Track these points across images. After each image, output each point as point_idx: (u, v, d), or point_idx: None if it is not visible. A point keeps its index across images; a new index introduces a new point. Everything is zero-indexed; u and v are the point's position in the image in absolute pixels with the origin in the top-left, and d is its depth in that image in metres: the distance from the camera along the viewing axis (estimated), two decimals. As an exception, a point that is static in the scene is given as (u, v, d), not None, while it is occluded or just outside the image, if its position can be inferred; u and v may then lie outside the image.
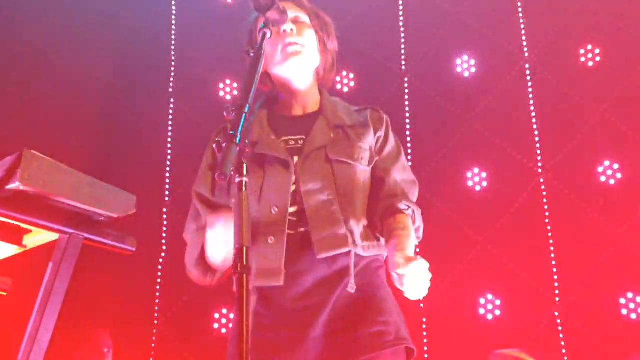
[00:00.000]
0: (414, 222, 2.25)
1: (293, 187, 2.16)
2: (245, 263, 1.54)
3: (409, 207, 2.23)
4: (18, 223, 1.58)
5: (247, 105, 1.72)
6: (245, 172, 1.61)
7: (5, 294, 1.75)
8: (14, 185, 1.49)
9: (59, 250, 1.60)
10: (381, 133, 2.34)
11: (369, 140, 2.30)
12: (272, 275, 2.07)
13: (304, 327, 2.02)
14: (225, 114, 1.73)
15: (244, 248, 1.55)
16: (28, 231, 1.65)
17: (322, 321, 2.03)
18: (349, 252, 2.10)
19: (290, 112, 2.33)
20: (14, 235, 1.64)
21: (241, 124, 1.65)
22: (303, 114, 2.33)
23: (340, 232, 2.07)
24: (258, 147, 2.21)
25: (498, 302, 4.66)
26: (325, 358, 2.00)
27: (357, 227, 2.14)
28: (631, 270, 4.54)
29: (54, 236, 1.64)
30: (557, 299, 4.59)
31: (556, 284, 4.62)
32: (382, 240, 2.23)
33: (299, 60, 2.25)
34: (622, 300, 4.52)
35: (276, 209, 2.13)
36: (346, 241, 2.08)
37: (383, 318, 2.07)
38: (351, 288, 2.05)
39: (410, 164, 4.96)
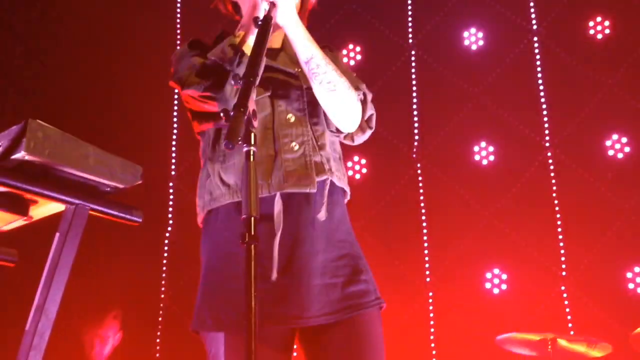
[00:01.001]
0: (364, 108, 2.19)
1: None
2: (253, 233, 1.52)
3: (357, 88, 2.18)
4: (23, 193, 1.56)
5: (256, 76, 1.70)
6: (253, 142, 1.59)
7: (12, 265, 1.74)
8: (19, 154, 1.47)
9: (65, 220, 1.58)
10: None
11: None
12: (307, 181, 2.05)
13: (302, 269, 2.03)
14: (232, 82, 1.71)
15: (252, 218, 1.53)
16: (34, 202, 1.63)
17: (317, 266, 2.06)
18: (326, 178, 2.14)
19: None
20: (20, 206, 1.62)
21: (249, 93, 1.63)
22: (268, 47, 2.28)
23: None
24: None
25: (505, 277, 4.66)
26: (318, 309, 2.02)
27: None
28: (638, 244, 4.53)
29: (60, 207, 1.63)
30: (563, 273, 4.59)
31: (563, 259, 4.61)
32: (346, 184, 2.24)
33: None
34: (629, 275, 4.51)
35: (293, 117, 2.13)
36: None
37: (363, 276, 2.12)
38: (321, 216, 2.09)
39: (417, 137, 4.98)
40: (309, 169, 2.07)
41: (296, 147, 2.09)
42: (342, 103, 2.10)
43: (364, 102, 2.19)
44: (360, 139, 2.26)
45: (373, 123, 2.26)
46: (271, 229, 2.01)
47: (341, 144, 2.27)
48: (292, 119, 2.13)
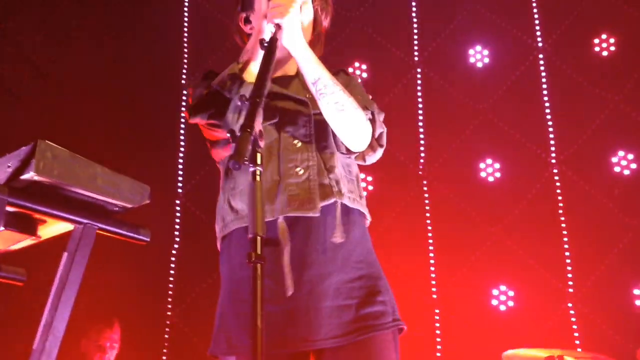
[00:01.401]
0: (374, 126, 2.20)
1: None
2: (259, 252, 1.53)
3: (366, 108, 2.19)
4: (32, 213, 1.58)
5: (262, 97, 1.72)
6: (259, 162, 1.61)
7: (21, 284, 1.75)
8: (28, 175, 1.48)
9: (74, 240, 1.59)
10: (344, 85, 2.30)
11: None
12: (309, 205, 2.06)
13: (313, 295, 2.03)
14: (239, 103, 1.73)
15: (258, 237, 1.54)
16: (43, 222, 1.64)
17: (329, 289, 2.04)
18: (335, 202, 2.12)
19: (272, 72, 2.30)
20: (29, 226, 1.64)
21: (256, 114, 1.65)
22: (282, 75, 2.31)
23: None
24: (271, 88, 2.21)
25: (511, 293, 4.65)
26: (327, 332, 2.00)
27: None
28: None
29: (68, 227, 1.64)
30: (570, 290, 4.58)
31: (570, 275, 4.60)
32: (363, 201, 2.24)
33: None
34: (636, 291, 4.50)
35: (299, 142, 2.14)
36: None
37: (381, 297, 2.08)
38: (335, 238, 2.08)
39: (422, 154, 4.99)
40: (313, 193, 2.08)
41: (300, 172, 2.10)
42: (350, 123, 2.11)
43: (373, 121, 2.20)
44: (371, 158, 2.26)
45: (384, 141, 2.25)
46: (278, 252, 2.02)
47: (359, 165, 2.27)
48: (298, 145, 2.14)
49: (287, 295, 1.99)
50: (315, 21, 2.35)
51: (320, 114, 2.12)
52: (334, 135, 2.17)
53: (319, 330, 2.00)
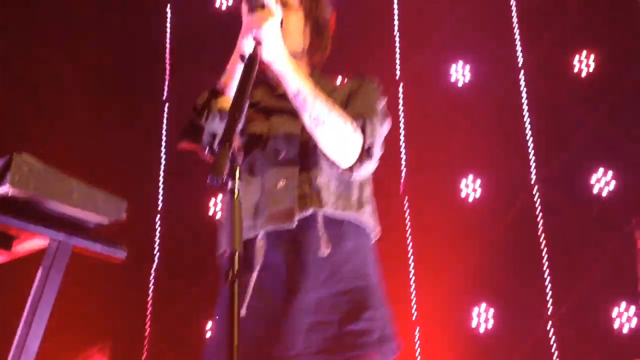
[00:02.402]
0: (364, 137, 2.12)
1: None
2: (237, 269, 1.51)
3: (358, 118, 2.13)
4: (7, 228, 1.55)
5: (241, 112, 1.71)
6: (237, 177, 1.59)
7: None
8: (3, 189, 1.46)
9: (49, 256, 1.57)
10: (353, 91, 2.29)
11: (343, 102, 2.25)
12: (286, 217, 2.04)
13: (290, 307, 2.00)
14: (218, 119, 1.73)
15: (237, 253, 1.53)
16: (17, 236, 1.62)
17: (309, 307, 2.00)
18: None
19: (276, 90, 2.29)
20: (3, 242, 1.62)
21: (235, 129, 1.64)
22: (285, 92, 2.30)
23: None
24: (262, 103, 2.26)
25: (491, 313, 4.64)
26: (306, 347, 1.96)
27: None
28: (625, 280, 4.52)
29: (43, 242, 1.62)
30: (550, 309, 4.58)
31: (549, 293, 4.60)
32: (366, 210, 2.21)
33: None
34: (615, 311, 4.49)
35: (284, 154, 2.13)
36: None
37: (369, 313, 2.03)
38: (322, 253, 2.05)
39: (404, 170, 4.99)
40: (291, 205, 2.05)
41: (281, 184, 2.08)
42: (330, 136, 2.06)
43: (363, 131, 2.13)
44: (360, 171, 2.16)
45: (373, 152, 2.16)
46: (250, 269, 2.01)
47: None
48: (282, 159, 2.13)
49: (241, 316, 1.91)
50: (311, 25, 2.32)
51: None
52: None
53: (294, 345, 1.95)
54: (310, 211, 2.06)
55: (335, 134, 2.06)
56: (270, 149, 2.14)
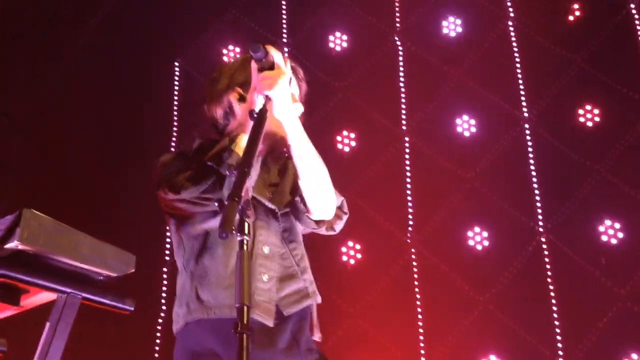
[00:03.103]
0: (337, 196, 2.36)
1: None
2: (245, 322, 1.52)
3: None
4: (16, 283, 1.56)
5: (251, 166, 1.74)
6: (247, 231, 1.61)
7: (1, 355, 1.72)
8: (13, 244, 1.48)
9: (57, 310, 1.58)
10: None
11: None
12: (267, 315, 2.12)
13: None
14: (227, 173, 1.75)
15: (245, 307, 1.53)
16: (26, 291, 1.63)
17: None
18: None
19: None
20: (12, 296, 1.62)
21: (244, 184, 1.66)
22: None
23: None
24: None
25: (501, 364, 4.60)
26: None
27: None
28: (634, 330, 4.49)
29: (51, 296, 1.63)
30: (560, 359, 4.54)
31: (559, 345, 4.56)
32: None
33: None
34: (627, 362, 4.46)
35: (268, 249, 2.21)
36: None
37: None
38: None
39: (411, 222, 4.99)
40: (270, 305, 2.15)
41: (265, 279, 2.17)
42: (323, 187, 2.25)
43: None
44: (339, 226, 2.40)
45: (346, 209, 2.42)
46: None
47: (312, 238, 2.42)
48: (267, 251, 2.21)
49: None
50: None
51: (288, 215, 2.28)
52: (303, 217, 2.28)
53: None
54: (306, 303, 2.27)
55: (326, 186, 2.26)
56: (257, 239, 2.22)
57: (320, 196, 2.26)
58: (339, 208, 2.37)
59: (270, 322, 2.11)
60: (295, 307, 2.18)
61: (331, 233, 2.39)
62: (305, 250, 2.32)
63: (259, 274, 2.15)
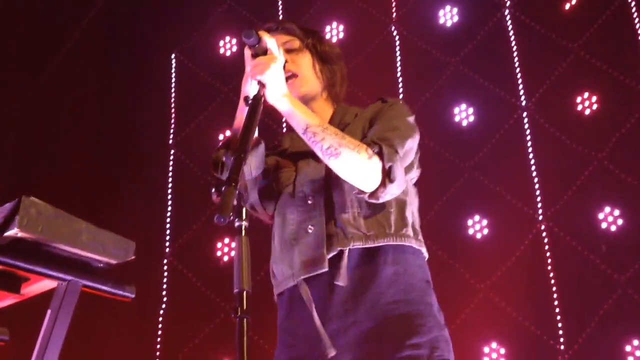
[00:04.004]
0: (382, 162, 2.12)
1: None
2: (245, 307, 1.53)
3: (374, 143, 2.15)
4: (16, 271, 1.57)
5: (247, 152, 1.75)
6: (244, 217, 1.62)
7: (2, 344, 1.73)
8: (12, 231, 1.48)
9: (57, 297, 1.58)
10: (373, 116, 2.38)
11: (365, 128, 2.33)
12: (317, 262, 2.10)
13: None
14: (224, 159, 1.76)
15: (244, 292, 1.54)
16: (26, 279, 1.64)
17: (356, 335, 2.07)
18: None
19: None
20: (12, 284, 1.63)
21: (240, 169, 1.67)
22: None
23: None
24: (290, 149, 2.37)
25: (502, 351, 4.61)
26: None
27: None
28: (636, 317, 4.50)
29: (52, 284, 1.63)
30: (561, 347, 4.54)
31: (560, 332, 4.57)
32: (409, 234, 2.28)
33: (298, 90, 2.34)
34: (628, 348, 4.46)
35: (311, 199, 2.19)
36: None
37: (414, 340, 2.05)
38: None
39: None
40: (320, 249, 2.11)
41: (310, 230, 2.15)
42: (347, 165, 2.09)
43: (380, 155, 2.13)
44: (384, 195, 2.14)
45: (394, 175, 2.12)
46: (308, 315, 2.08)
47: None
48: (310, 202, 2.20)
49: (329, 356, 1.99)
50: (320, 61, 2.42)
51: None
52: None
53: None
54: (337, 250, 2.12)
55: (351, 164, 2.09)
56: (298, 195, 2.21)
57: (347, 174, 2.10)
58: (387, 175, 2.11)
59: (322, 268, 2.13)
60: None
61: (374, 201, 2.15)
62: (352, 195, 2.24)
63: (303, 230, 2.18)
